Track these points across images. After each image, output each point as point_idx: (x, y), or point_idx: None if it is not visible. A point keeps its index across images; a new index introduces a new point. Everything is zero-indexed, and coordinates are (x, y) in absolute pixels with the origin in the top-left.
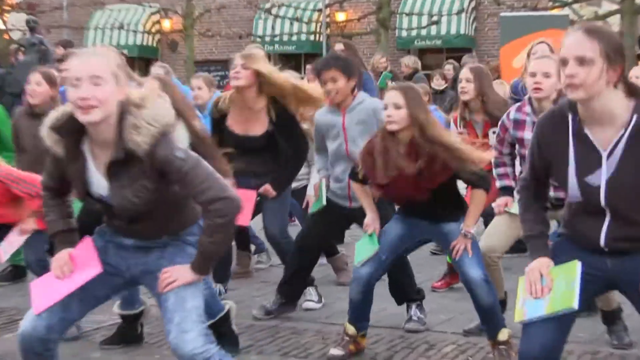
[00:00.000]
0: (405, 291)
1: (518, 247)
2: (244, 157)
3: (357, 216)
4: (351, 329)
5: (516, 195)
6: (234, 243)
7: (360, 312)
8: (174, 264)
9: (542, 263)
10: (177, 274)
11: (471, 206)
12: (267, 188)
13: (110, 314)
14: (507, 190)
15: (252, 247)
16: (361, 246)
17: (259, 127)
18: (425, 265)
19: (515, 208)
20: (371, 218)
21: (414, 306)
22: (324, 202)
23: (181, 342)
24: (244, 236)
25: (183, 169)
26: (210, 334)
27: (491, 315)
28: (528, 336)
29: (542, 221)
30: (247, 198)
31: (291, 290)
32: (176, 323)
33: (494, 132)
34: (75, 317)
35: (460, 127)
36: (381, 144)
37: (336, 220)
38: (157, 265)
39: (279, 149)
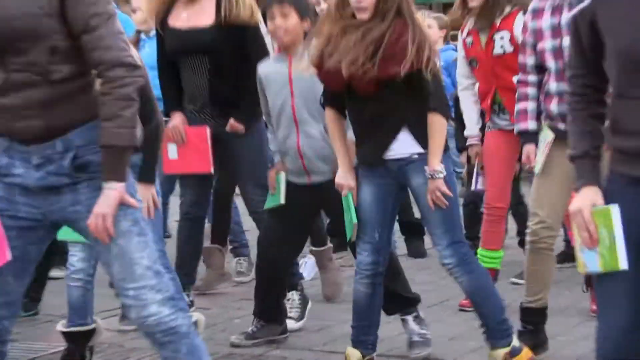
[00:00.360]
0: (395, 295)
1: (570, 255)
2: (193, 78)
3: (325, 195)
4: (355, 355)
5: (542, 143)
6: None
7: (365, 322)
8: (92, 211)
9: (586, 201)
10: (101, 210)
11: (430, 137)
12: (232, 124)
13: (50, 340)
14: (526, 137)
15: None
16: (346, 209)
17: (206, 17)
18: (451, 277)
19: (539, 166)
20: (343, 174)
21: (410, 319)
22: (282, 201)
23: (145, 318)
24: (223, 223)
25: (90, 10)
26: (177, 296)
27: (481, 306)
28: (604, 319)
29: (591, 134)
30: (199, 136)
31: (266, 309)
32: (133, 296)
33: (501, 38)
34: (18, 295)
35: (464, 35)
36: (339, 34)
37: (299, 208)
38: (76, 214)
39: (238, 58)
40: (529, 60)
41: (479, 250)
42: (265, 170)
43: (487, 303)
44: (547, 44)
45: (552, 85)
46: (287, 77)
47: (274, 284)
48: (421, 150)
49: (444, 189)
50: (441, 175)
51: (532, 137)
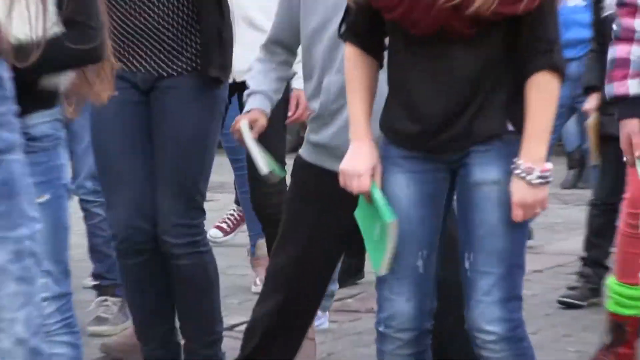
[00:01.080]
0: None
1: None
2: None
3: None
4: None
5: None
6: None
7: None
8: None
9: None
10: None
11: (536, 110)
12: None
13: None
14: (625, 107)
15: None
16: (366, 225)
17: None
18: (549, 329)
19: None
20: (357, 155)
21: None
22: (264, 170)
23: None
24: None
25: None
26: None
27: None
28: None
29: None
30: None
31: None
32: None
33: None
34: None
35: None
36: None
37: (339, 204)
38: None
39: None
40: None
41: (611, 283)
42: (204, 172)
43: None
44: None
45: None
46: None
47: (293, 332)
48: (510, 128)
49: (546, 205)
50: (549, 180)
51: (635, 106)
